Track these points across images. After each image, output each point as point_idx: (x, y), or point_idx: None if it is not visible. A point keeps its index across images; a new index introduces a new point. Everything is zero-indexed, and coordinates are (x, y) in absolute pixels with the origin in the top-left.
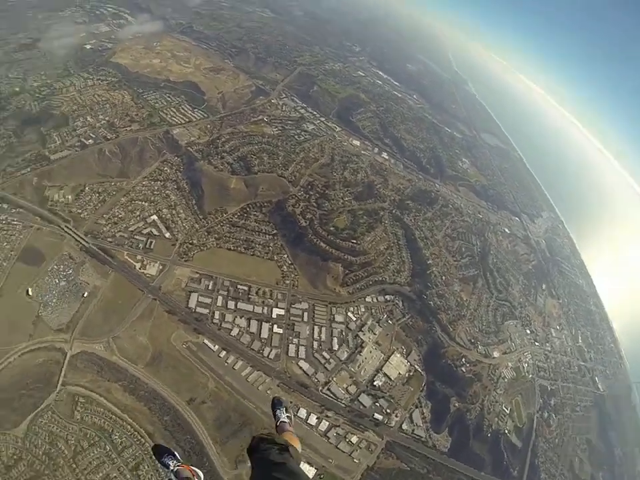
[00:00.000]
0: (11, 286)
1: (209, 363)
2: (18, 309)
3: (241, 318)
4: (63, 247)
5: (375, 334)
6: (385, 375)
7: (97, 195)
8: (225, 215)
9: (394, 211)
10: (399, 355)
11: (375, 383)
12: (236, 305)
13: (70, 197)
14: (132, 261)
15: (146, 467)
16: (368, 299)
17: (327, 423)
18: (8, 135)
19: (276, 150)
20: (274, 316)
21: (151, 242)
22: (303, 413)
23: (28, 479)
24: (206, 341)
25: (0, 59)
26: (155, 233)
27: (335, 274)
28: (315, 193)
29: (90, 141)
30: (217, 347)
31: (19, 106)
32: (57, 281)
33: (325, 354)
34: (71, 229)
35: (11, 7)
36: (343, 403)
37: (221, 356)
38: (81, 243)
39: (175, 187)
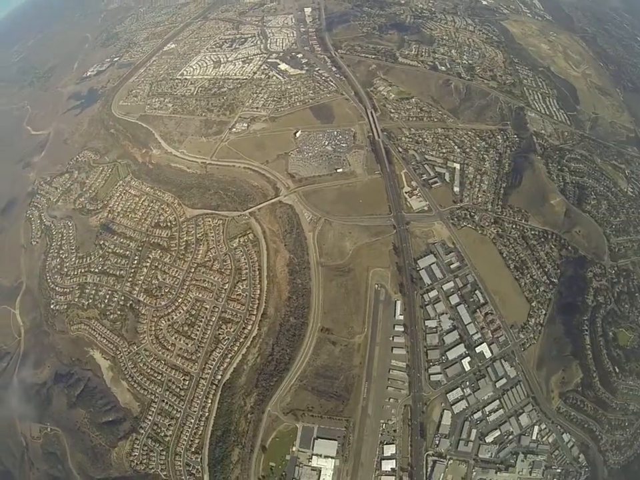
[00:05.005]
0: (287, 122)
1: (380, 323)
2: (280, 139)
3: (449, 319)
4: (354, 124)
5: None
6: None
7: (419, 110)
8: (522, 221)
9: None
10: None
11: None
12: (456, 306)
13: (393, 96)
14: (404, 181)
15: None
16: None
17: None
18: (374, 27)
19: (619, 209)
20: (477, 350)
21: (436, 182)
22: None
23: None
24: (398, 303)
25: None
26: (447, 179)
27: (568, 378)
28: (626, 284)
29: (442, 67)
30: (401, 316)
31: (397, 13)
32: (326, 143)
33: None
34: (372, 116)
35: None
36: None
37: (395, 328)
38: (372, 133)
39: (496, 158)
